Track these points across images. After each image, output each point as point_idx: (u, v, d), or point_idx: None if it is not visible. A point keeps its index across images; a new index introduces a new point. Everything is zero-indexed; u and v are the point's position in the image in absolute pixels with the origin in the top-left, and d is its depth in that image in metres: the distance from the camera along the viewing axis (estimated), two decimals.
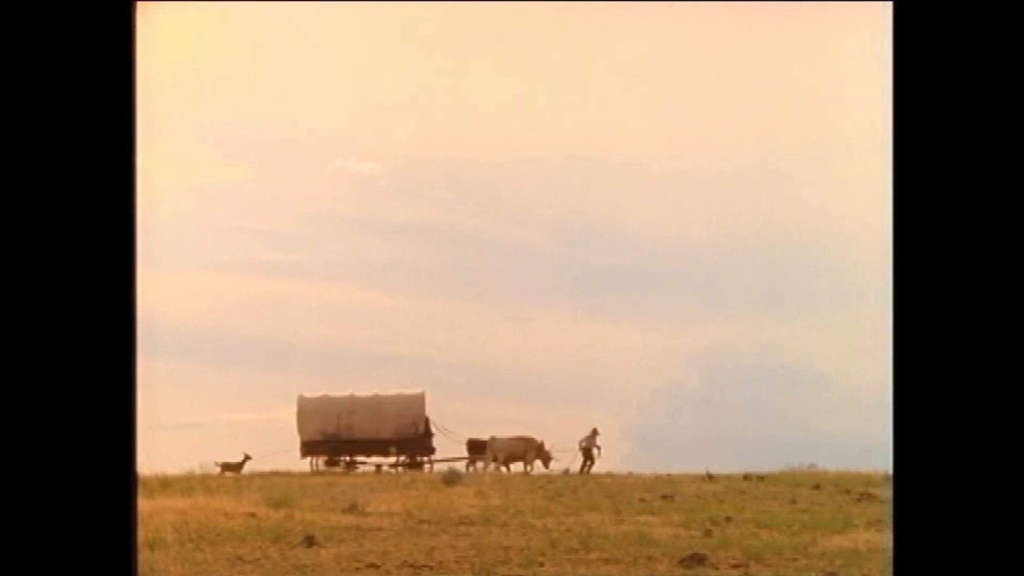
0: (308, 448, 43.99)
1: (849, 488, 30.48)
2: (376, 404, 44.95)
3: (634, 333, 48.79)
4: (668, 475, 37.76)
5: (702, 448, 40.88)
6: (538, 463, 41.96)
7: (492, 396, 45.78)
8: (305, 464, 42.80)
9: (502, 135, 49.42)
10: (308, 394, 44.77)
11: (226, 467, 40.29)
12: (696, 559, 20.12)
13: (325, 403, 44.80)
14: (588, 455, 41.51)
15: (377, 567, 19.93)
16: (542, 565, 20.08)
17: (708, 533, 23.42)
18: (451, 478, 34.57)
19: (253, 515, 25.17)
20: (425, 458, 44.16)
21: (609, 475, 39.65)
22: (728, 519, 25.35)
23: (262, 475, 38.45)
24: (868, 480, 30.77)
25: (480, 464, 41.83)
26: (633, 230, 50.35)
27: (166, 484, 28.98)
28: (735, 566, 19.99)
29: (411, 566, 19.95)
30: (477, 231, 50.95)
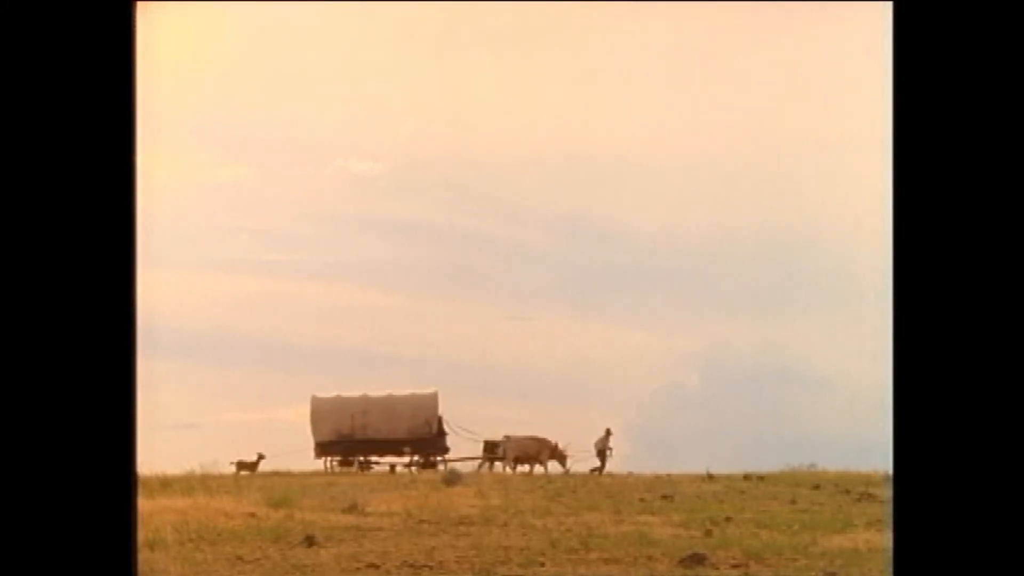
0: (322, 448, 43.98)
1: (849, 488, 30.50)
2: (390, 404, 44.93)
3: (634, 333, 48.81)
4: (668, 475, 37.79)
5: (702, 448, 40.92)
6: (553, 463, 41.88)
7: (492, 396, 45.85)
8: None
9: (502, 135, 49.43)
10: (321, 394, 44.75)
11: (241, 466, 40.40)
12: (696, 559, 20.12)
13: (338, 403, 44.76)
14: (601, 456, 41.44)
15: (377, 567, 19.93)
16: (542, 565, 20.08)
17: (708, 533, 23.42)
18: (451, 478, 34.58)
19: (253, 515, 25.17)
20: (439, 458, 44.12)
21: (609, 475, 39.70)
22: (728, 519, 25.35)
23: (263, 475, 38.48)
24: (868, 480, 30.80)
25: (499, 464, 41.75)
26: (633, 230, 50.38)
27: (166, 484, 28.98)
28: (735, 566, 19.99)
29: (411, 566, 19.95)
30: (477, 231, 50.98)
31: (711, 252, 48.65)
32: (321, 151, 52.21)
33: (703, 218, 49.34)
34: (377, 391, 45.11)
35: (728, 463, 36.60)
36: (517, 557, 20.62)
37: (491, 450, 42.44)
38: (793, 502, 28.62)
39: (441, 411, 44.74)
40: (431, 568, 19.89)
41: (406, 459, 43.81)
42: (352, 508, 26.43)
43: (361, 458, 43.90)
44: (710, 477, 35.16)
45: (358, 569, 19.89)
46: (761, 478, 34.37)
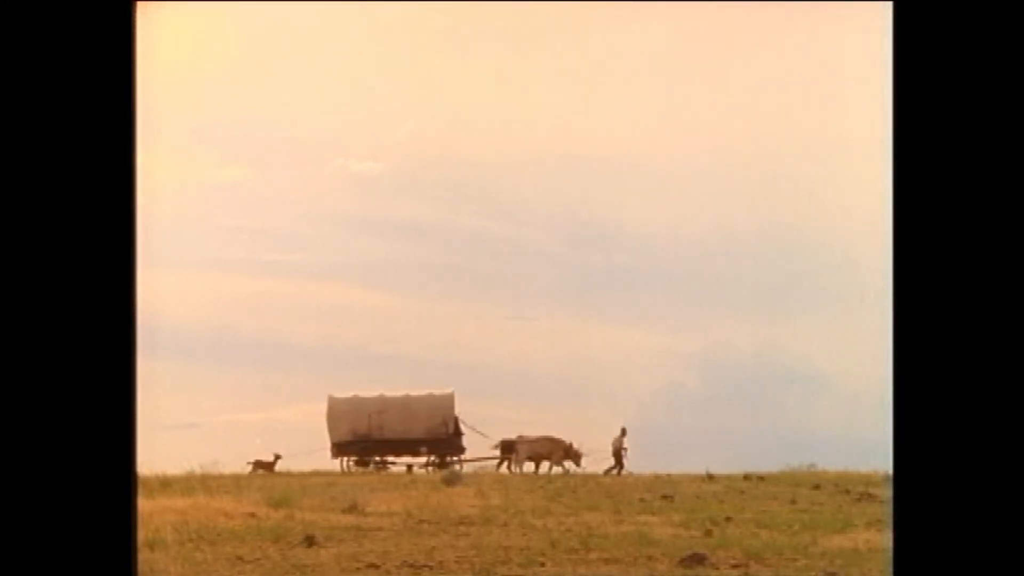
0: (339, 448, 43.99)
1: (849, 488, 30.49)
2: (406, 404, 44.93)
3: (634, 333, 48.81)
4: (668, 475, 37.79)
5: (702, 448, 40.90)
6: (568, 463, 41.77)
7: (492, 396, 45.83)
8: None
9: (502, 135, 49.44)
10: (337, 394, 44.76)
11: (258, 465, 40.43)
12: (696, 559, 20.12)
13: (355, 403, 44.75)
14: (617, 456, 41.35)
15: (377, 567, 19.93)
16: (542, 565, 20.07)
17: (708, 533, 23.42)
18: (451, 478, 34.57)
19: (253, 515, 25.16)
20: (455, 458, 44.12)
21: (608, 475, 39.69)
22: (728, 519, 25.35)
23: (262, 475, 38.49)
24: (868, 480, 30.78)
25: (516, 464, 41.70)
26: (633, 230, 50.39)
27: (166, 484, 28.96)
28: (735, 566, 19.99)
29: (411, 566, 19.95)
30: (478, 231, 50.98)
31: (711, 252, 48.66)
32: (321, 151, 52.24)
33: (703, 218, 49.38)
34: (393, 391, 45.13)
35: (728, 463, 36.61)
36: (517, 557, 20.61)
37: (507, 450, 42.39)
38: (793, 502, 28.61)
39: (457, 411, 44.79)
40: (431, 568, 19.89)
41: (423, 459, 43.79)
42: (352, 508, 26.42)
43: (377, 458, 43.90)
44: (710, 477, 35.15)
45: (358, 569, 19.89)
46: (761, 478, 34.36)
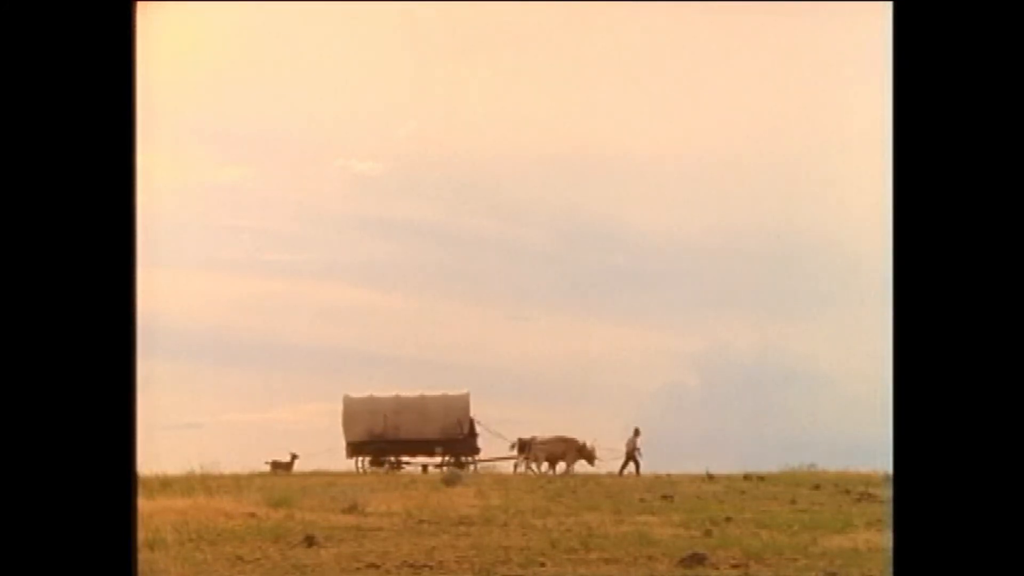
0: (354, 448, 44.01)
1: (849, 488, 30.51)
2: (421, 404, 44.95)
3: (634, 333, 48.84)
4: (668, 475, 37.83)
5: (702, 448, 40.90)
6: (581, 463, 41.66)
7: (493, 396, 45.80)
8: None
9: (503, 135, 49.45)
10: (354, 394, 44.78)
11: (275, 465, 40.46)
12: (696, 559, 20.12)
13: (370, 404, 44.78)
14: (630, 456, 41.27)
15: (377, 567, 19.93)
16: (542, 565, 20.07)
17: (708, 533, 23.42)
18: (451, 478, 34.58)
19: (253, 515, 25.16)
20: (470, 458, 44.13)
21: (609, 475, 39.69)
22: (728, 519, 25.35)
23: (262, 475, 38.47)
24: (868, 480, 30.80)
25: (534, 465, 41.63)
26: (633, 229, 50.39)
27: (166, 484, 28.96)
28: (735, 566, 19.99)
29: (411, 566, 19.95)
30: (478, 231, 50.99)
31: (711, 252, 48.68)
32: (322, 151, 52.25)
33: (703, 218, 49.39)
34: (407, 391, 45.15)
35: (728, 463, 36.64)
36: (517, 557, 20.61)
37: (522, 450, 42.35)
38: (793, 502, 28.62)
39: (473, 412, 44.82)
40: (431, 568, 19.89)
41: (438, 459, 43.78)
42: (352, 508, 26.43)
43: (392, 458, 43.91)
44: (710, 477, 35.17)
45: (358, 569, 19.89)
46: (761, 478, 34.38)
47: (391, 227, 51.53)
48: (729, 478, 34.65)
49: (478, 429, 44.67)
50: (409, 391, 45.15)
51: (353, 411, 44.59)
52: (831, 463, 36.46)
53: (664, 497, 29.80)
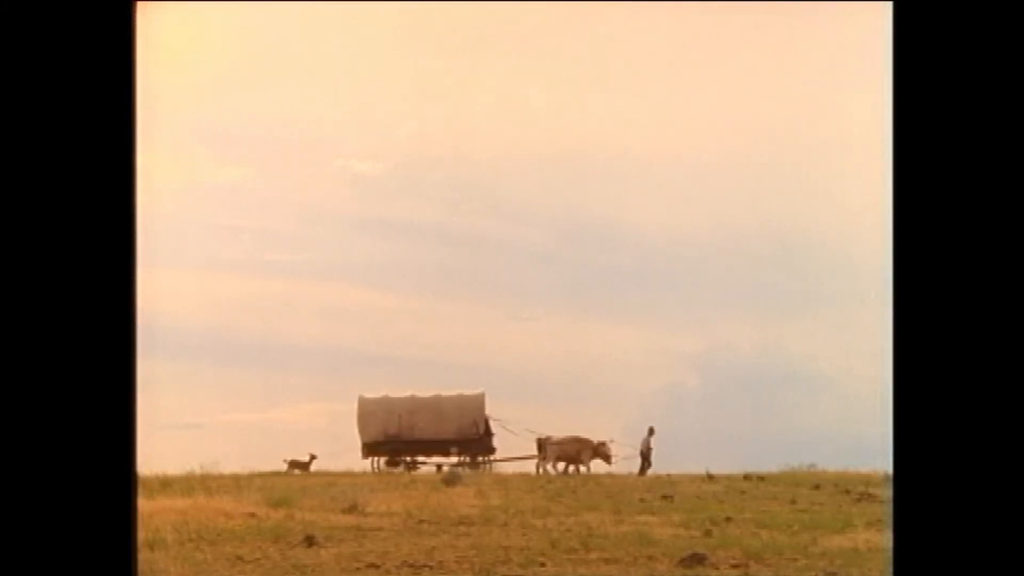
0: (369, 449, 43.99)
1: (849, 488, 30.47)
2: (437, 404, 44.90)
3: (634, 333, 48.83)
4: (668, 475, 37.80)
5: (702, 448, 40.89)
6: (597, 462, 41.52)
7: (493, 396, 45.76)
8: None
9: (503, 135, 49.47)
10: (369, 394, 44.77)
11: (294, 464, 40.47)
12: (696, 559, 20.11)
13: (385, 404, 44.75)
14: (644, 456, 41.19)
15: (377, 567, 19.93)
16: (542, 565, 20.07)
17: (708, 533, 23.41)
18: (451, 478, 34.56)
19: (253, 515, 25.15)
20: (486, 458, 44.11)
21: (609, 475, 39.67)
22: (728, 519, 25.34)
23: (262, 475, 38.46)
24: (868, 480, 30.76)
25: (549, 465, 41.55)
26: (633, 229, 50.39)
27: (166, 484, 28.96)
28: (735, 566, 19.99)
29: (411, 566, 19.95)
30: (479, 231, 50.98)
31: (711, 252, 48.65)
32: (322, 151, 52.25)
33: (703, 218, 49.39)
34: (424, 391, 45.12)
35: (728, 463, 36.60)
36: (517, 557, 20.61)
37: (541, 450, 42.28)
38: (793, 502, 28.61)
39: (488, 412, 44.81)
40: (431, 568, 19.89)
41: (454, 459, 43.75)
42: (352, 508, 26.41)
43: (408, 459, 43.88)
44: (710, 477, 35.14)
45: (358, 569, 19.88)
46: (761, 478, 34.35)
47: (391, 227, 51.52)
48: (729, 478, 34.62)
49: (494, 428, 44.64)
50: (424, 391, 45.14)
51: (368, 411, 44.56)
52: (831, 463, 36.45)
53: (664, 497, 29.78)
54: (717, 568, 19.82)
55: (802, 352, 45.16)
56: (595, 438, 41.66)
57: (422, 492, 30.71)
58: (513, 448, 43.78)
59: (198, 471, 33.57)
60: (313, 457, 41.36)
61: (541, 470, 41.00)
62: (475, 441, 44.33)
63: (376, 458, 43.95)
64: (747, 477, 34.51)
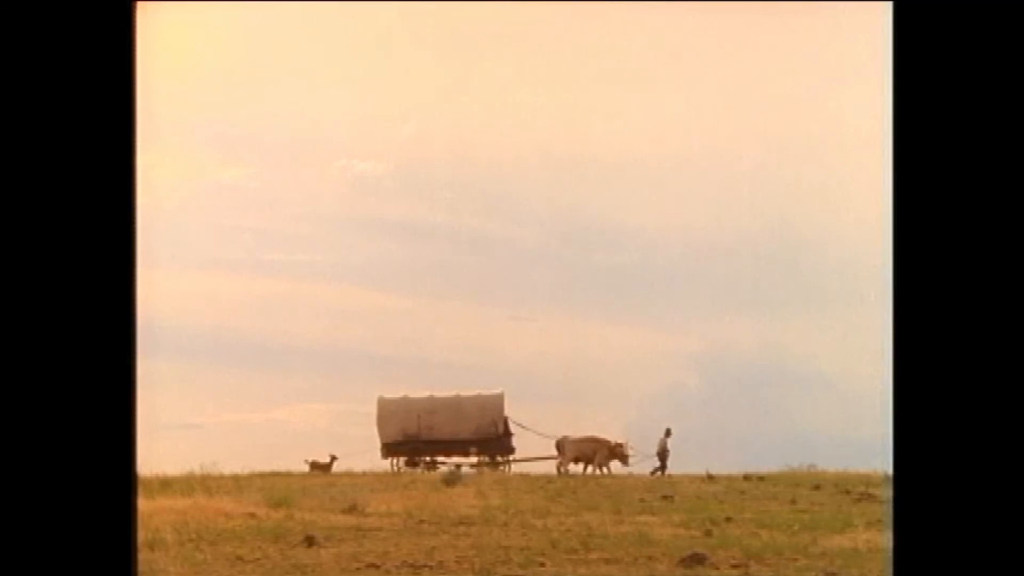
0: (389, 449, 43.96)
1: (849, 488, 30.48)
2: (456, 404, 44.86)
3: (634, 333, 48.81)
4: (668, 475, 37.82)
5: (702, 448, 40.86)
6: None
7: None
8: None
9: (504, 135, 49.46)
10: (388, 395, 44.73)
11: (315, 466, 40.40)
12: (696, 559, 20.13)
13: (404, 404, 44.71)
14: (661, 457, 41.05)
15: (377, 567, 19.94)
16: (542, 565, 20.08)
17: (708, 533, 23.42)
18: (451, 478, 34.56)
19: (253, 515, 25.16)
20: (505, 458, 44.09)
21: (609, 475, 39.67)
22: (728, 519, 25.35)
23: (262, 475, 38.46)
24: (868, 480, 30.77)
25: (563, 465, 41.45)
26: (633, 230, 50.36)
27: (166, 484, 28.96)
28: (735, 566, 20.00)
29: (411, 566, 19.96)
30: (479, 232, 50.99)
31: (711, 252, 48.62)
32: (324, 151, 52.24)
33: (703, 218, 49.36)
34: (443, 391, 45.07)
35: (728, 463, 36.59)
36: (517, 557, 20.62)
37: (560, 450, 42.19)
38: (793, 502, 28.62)
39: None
40: (431, 568, 19.90)
41: (473, 459, 43.72)
42: (352, 508, 26.42)
43: (427, 459, 43.83)
44: (710, 477, 35.13)
45: (358, 569, 19.90)
46: (761, 478, 34.35)
47: (391, 227, 51.49)
48: (729, 478, 34.63)
49: (513, 428, 44.60)
50: (442, 391, 45.09)
51: (388, 411, 44.53)
52: (831, 463, 36.44)
53: (664, 497, 29.79)
54: (717, 568, 19.84)
55: (802, 352, 45.13)
56: (627, 438, 41.56)
57: (422, 492, 30.71)
58: (528, 449, 43.82)
59: (198, 471, 33.57)
60: (334, 458, 41.26)
61: (563, 470, 40.88)
62: (494, 441, 44.30)
63: (396, 458, 43.92)
64: (747, 477, 34.51)
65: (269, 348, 47.29)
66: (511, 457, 44.26)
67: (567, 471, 40.68)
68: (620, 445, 41.10)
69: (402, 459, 43.81)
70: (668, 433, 40.98)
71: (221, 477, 34.98)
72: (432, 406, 44.80)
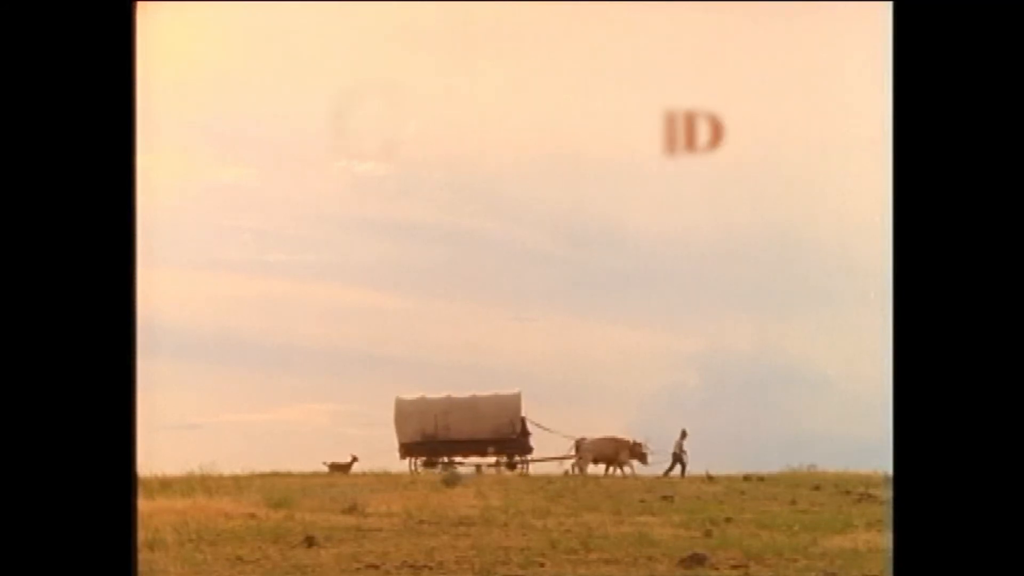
0: (406, 450, 43.94)
1: (849, 488, 30.46)
2: (473, 405, 44.81)
3: (634, 333, 48.76)
4: (668, 475, 37.81)
5: (702, 449, 40.84)
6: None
7: None
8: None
9: (505, 136, 49.41)
10: (406, 395, 44.70)
11: (334, 467, 40.32)
12: (696, 559, 20.11)
13: (422, 405, 44.66)
14: (678, 459, 40.94)
15: (377, 567, 19.92)
16: (542, 566, 20.06)
17: (708, 534, 23.40)
18: (451, 478, 34.54)
19: (253, 515, 25.14)
20: (523, 458, 44.06)
21: (609, 475, 39.66)
22: (728, 520, 25.33)
23: (262, 475, 38.45)
24: (868, 480, 30.76)
25: (581, 466, 41.35)
26: (633, 230, 50.31)
27: (166, 485, 28.94)
28: (735, 566, 19.98)
29: (411, 566, 19.94)
30: (480, 232, 50.95)
31: (711, 252, 48.57)
32: (324, 151, 52.17)
33: (703, 218, 49.32)
34: (460, 392, 45.04)
35: (728, 464, 36.58)
36: (517, 557, 20.60)
37: (578, 450, 42.11)
38: (793, 503, 28.60)
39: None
40: (431, 568, 19.88)
41: (491, 460, 43.68)
42: (352, 508, 26.40)
43: (445, 459, 43.79)
44: (710, 478, 35.12)
45: (358, 569, 19.88)
46: (761, 479, 34.33)
47: (392, 228, 51.43)
48: (729, 479, 34.61)
49: (530, 428, 44.57)
50: (459, 391, 45.05)
51: (405, 412, 44.49)
52: (831, 463, 36.42)
53: (664, 498, 29.77)
54: (717, 569, 19.81)
55: (802, 352, 45.08)
56: (646, 437, 41.46)
57: (422, 492, 30.68)
58: (540, 449, 43.79)
59: (198, 472, 33.55)
60: (355, 459, 41.15)
61: (576, 470, 40.83)
62: (512, 441, 44.27)
63: (413, 459, 43.89)
64: (747, 478, 34.48)
65: (269, 348, 47.24)
66: (529, 457, 44.25)
67: (582, 471, 40.59)
68: (639, 444, 41.05)
69: (419, 460, 43.80)
70: (684, 434, 40.88)
71: (221, 477, 34.94)
72: (449, 406, 44.77)
